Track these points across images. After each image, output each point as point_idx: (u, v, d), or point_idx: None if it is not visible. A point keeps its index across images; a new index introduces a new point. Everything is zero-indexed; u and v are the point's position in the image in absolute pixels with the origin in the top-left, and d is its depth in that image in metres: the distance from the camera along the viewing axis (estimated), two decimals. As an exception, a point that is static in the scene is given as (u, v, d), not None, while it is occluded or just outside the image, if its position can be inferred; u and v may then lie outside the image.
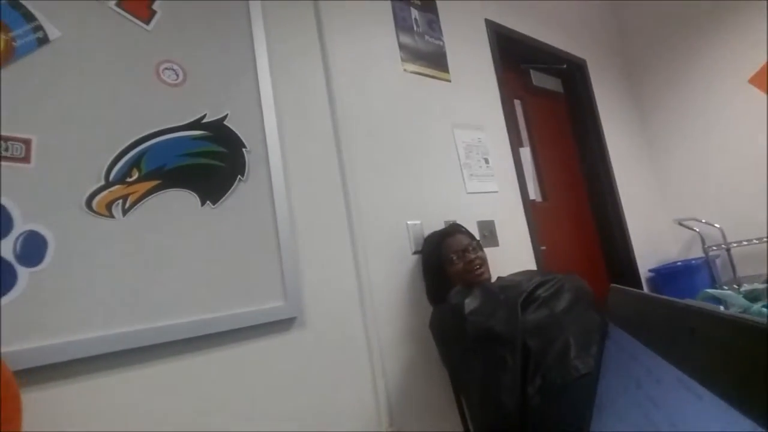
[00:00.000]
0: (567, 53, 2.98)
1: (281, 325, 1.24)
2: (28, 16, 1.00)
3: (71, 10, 1.06)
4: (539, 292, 1.29)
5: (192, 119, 1.20)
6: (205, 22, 1.29)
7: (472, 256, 1.51)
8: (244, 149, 1.28)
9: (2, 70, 0.95)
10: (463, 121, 2.02)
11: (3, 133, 0.92)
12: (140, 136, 1.10)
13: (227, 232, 1.18)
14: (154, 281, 1.04)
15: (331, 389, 1.29)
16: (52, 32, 1.03)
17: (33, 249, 0.91)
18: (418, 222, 1.68)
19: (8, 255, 0.88)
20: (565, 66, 2.96)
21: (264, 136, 1.33)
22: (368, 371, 1.39)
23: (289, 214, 1.31)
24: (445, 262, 1.52)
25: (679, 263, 3.14)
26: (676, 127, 3.47)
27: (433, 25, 2.07)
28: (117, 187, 1.04)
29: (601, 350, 0.58)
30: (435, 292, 1.55)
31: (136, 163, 1.08)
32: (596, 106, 3.08)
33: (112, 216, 1.02)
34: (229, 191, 1.22)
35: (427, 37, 2.02)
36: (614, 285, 0.59)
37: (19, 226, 0.90)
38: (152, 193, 1.09)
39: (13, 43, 0.97)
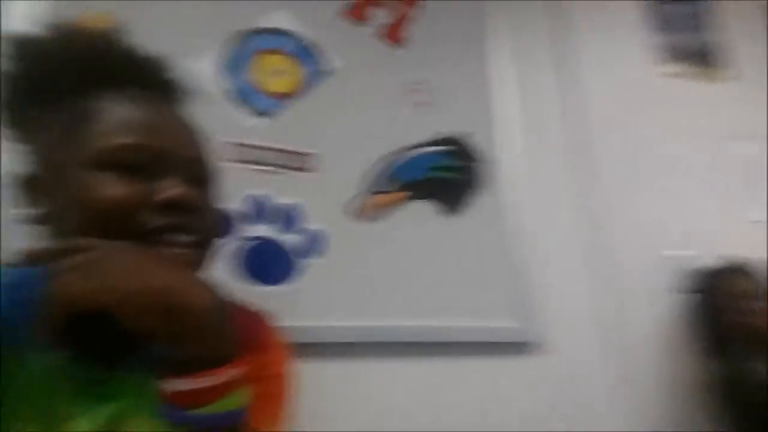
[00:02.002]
0: None
1: (512, 348, 1.17)
2: (319, 53, 1.20)
3: (345, 42, 1.23)
4: None
5: (437, 135, 1.26)
6: (447, 43, 1.34)
7: (760, 305, 1.18)
8: (482, 165, 1.28)
9: (298, 100, 1.15)
10: (740, 130, 1.63)
11: (298, 149, 1.12)
12: (395, 149, 1.20)
13: (465, 245, 1.20)
14: (396, 282, 1.11)
15: (565, 426, 1.15)
16: (335, 63, 1.21)
17: (311, 244, 1.07)
18: (680, 253, 1.40)
19: (295, 247, 1.06)
20: None
21: (501, 151, 1.31)
22: (611, 419, 1.20)
23: (524, 233, 1.25)
24: (723, 310, 1.22)
25: None
26: None
27: (700, 17, 1.75)
28: (376, 196, 1.15)
29: None
30: (709, 344, 1.26)
31: (392, 175, 1.18)
32: None
33: (370, 221, 1.13)
34: (468, 205, 1.23)
35: (691, 33, 1.71)
36: None
37: (304, 224, 1.08)
38: (402, 203, 1.17)
39: (306, 76, 1.18)
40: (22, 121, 0.53)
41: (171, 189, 0.46)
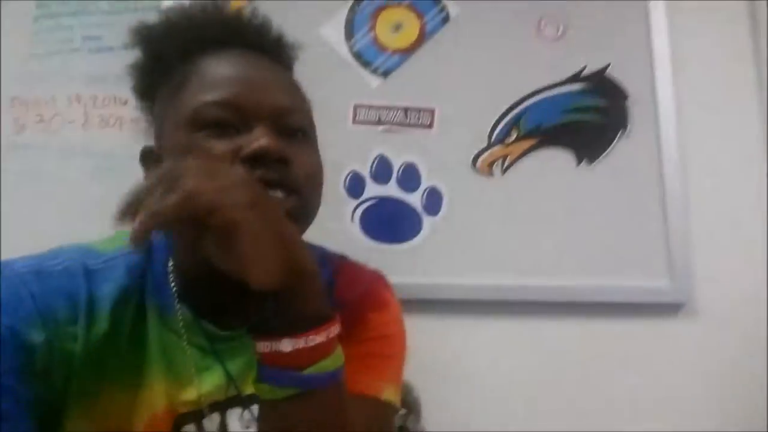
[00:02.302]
0: None
1: (663, 309, 1.05)
2: (436, 0, 1.15)
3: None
4: None
5: (571, 73, 1.13)
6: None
7: None
8: (627, 101, 1.12)
9: (416, 52, 1.13)
10: None
11: (416, 105, 1.11)
12: (520, 96, 1.12)
13: (604, 195, 1.08)
14: (525, 239, 1.07)
15: (716, 399, 1.03)
16: (453, 9, 1.15)
17: (433, 201, 1.08)
18: None
19: (417, 206, 1.08)
20: None
21: (653, 86, 1.12)
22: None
23: (681, 180, 1.08)
24: None
25: None
26: None
27: None
28: (497, 147, 1.10)
29: None
30: None
31: (515, 123, 1.11)
32: None
33: (492, 175, 1.10)
34: (609, 149, 1.10)
35: None
36: None
37: (425, 182, 1.09)
38: (529, 153, 1.10)
39: (425, 26, 1.15)
40: (143, 93, 0.55)
41: (255, 141, 0.44)
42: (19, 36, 1.19)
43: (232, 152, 0.44)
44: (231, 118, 0.46)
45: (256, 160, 0.44)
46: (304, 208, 0.47)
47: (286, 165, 0.45)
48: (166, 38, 0.51)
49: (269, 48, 0.54)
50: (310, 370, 0.38)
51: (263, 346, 0.38)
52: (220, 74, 0.48)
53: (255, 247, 0.35)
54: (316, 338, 0.38)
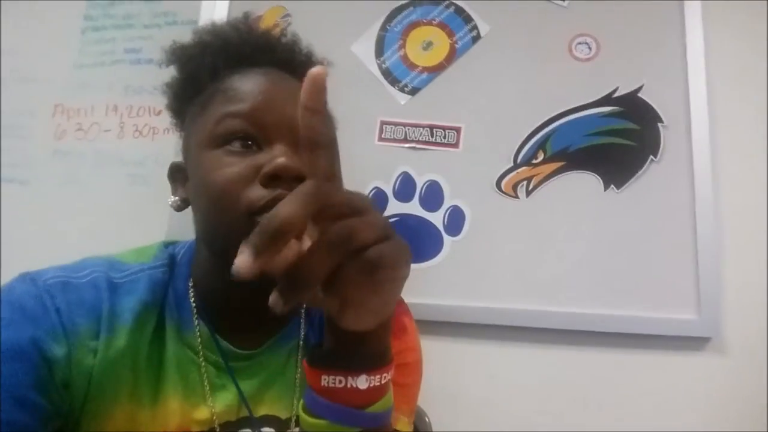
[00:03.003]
0: None
1: (689, 342, 1.01)
2: (467, 19, 1.16)
3: (496, 3, 1.15)
4: None
5: (602, 95, 1.11)
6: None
7: None
8: (660, 124, 1.09)
9: (445, 70, 1.14)
10: None
11: (442, 123, 1.11)
12: (549, 117, 1.10)
13: (631, 221, 1.05)
14: (548, 264, 1.05)
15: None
16: (483, 28, 1.15)
17: (455, 221, 1.08)
18: None
19: (439, 225, 1.08)
20: None
21: (687, 108, 1.08)
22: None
23: (713, 207, 1.03)
24: None
25: None
26: None
27: None
28: (523, 168, 1.09)
29: None
30: None
31: (542, 144, 1.09)
32: None
33: (516, 196, 1.08)
34: (638, 174, 1.07)
35: None
36: None
37: (447, 201, 1.08)
38: (555, 175, 1.08)
39: (456, 45, 1.15)
40: (175, 111, 0.56)
41: (273, 160, 0.43)
42: (66, 47, 1.25)
43: (252, 170, 0.44)
44: (251, 131, 0.46)
45: (275, 178, 0.43)
46: None
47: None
48: (198, 57, 0.52)
49: (298, 66, 0.54)
50: (373, 408, 0.36)
51: (335, 381, 0.35)
52: (243, 89, 0.48)
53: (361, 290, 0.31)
54: (388, 376, 0.37)
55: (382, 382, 0.36)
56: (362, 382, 0.35)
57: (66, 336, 0.42)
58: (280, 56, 0.53)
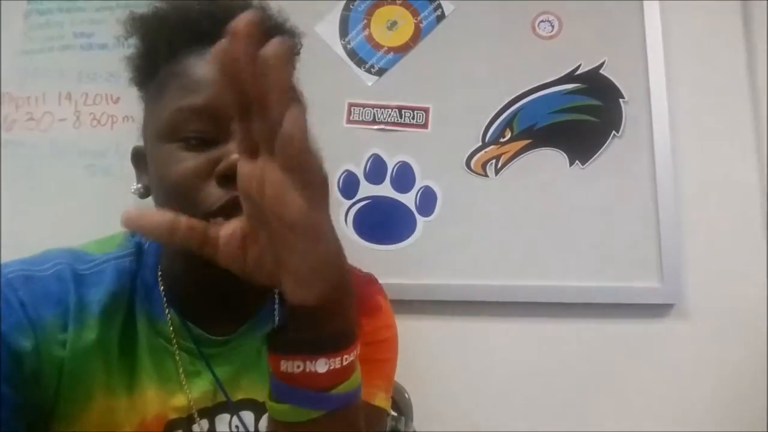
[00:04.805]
0: None
1: (653, 310, 1.06)
2: (432, -3, 1.15)
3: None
4: None
5: (565, 72, 1.13)
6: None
7: None
8: (621, 100, 1.12)
9: (411, 50, 1.13)
10: None
11: (410, 104, 1.11)
12: (515, 95, 1.12)
13: (597, 195, 1.08)
14: (517, 240, 1.07)
15: (707, 399, 1.04)
16: (448, 7, 1.15)
17: (427, 201, 1.08)
18: None
19: (411, 206, 1.08)
20: None
21: (647, 83, 1.11)
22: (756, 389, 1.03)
23: (673, 179, 1.08)
24: None
25: None
26: None
27: None
28: (491, 147, 1.10)
29: None
30: None
31: (509, 123, 1.11)
32: None
33: (486, 175, 1.10)
34: (601, 149, 1.10)
35: None
36: None
37: (419, 182, 1.09)
38: (522, 153, 1.10)
39: (420, 25, 1.14)
40: (138, 85, 0.53)
41: (228, 156, 0.40)
42: (9, 32, 1.18)
43: (209, 165, 0.42)
44: (206, 128, 0.43)
45: (231, 178, 0.38)
46: None
47: None
48: (154, 32, 0.49)
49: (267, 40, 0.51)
50: (338, 390, 0.35)
51: (293, 366, 0.34)
52: (198, 75, 0.44)
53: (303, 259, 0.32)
54: (349, 357, 0.36)
55: (344, 363, 0.35)
56: (321, 366, 0.34)
57: (33, 329, 0.41)
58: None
